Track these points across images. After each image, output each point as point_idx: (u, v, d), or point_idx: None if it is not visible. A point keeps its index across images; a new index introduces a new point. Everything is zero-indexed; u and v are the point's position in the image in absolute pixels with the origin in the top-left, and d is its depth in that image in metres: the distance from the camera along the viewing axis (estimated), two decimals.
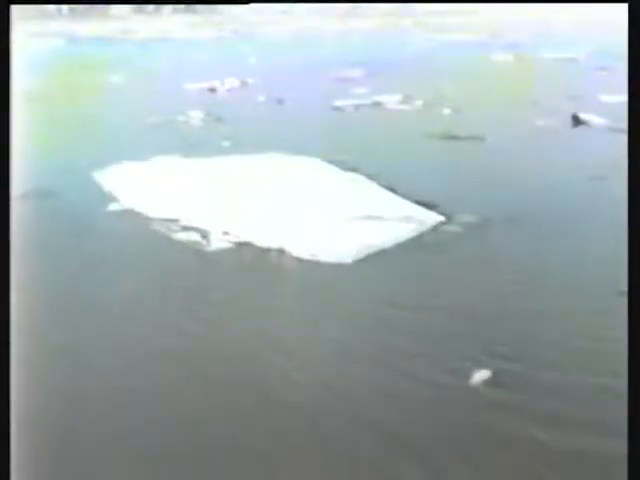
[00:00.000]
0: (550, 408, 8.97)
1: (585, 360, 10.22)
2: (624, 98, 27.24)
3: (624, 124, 23.86)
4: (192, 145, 23.63)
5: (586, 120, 28.30)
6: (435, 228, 16.13)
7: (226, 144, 23.93)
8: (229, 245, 15.16)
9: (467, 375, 9.67)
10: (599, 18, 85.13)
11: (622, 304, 11.16)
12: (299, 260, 14.27)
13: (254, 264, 14.26)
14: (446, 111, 30.55)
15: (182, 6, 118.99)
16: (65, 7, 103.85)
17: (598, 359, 10.22)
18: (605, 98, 32.40)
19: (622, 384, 9.07)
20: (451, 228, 16.10)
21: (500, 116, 29.71)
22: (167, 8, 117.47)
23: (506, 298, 12.47)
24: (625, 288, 11.51)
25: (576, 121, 28.22)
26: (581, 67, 47.80)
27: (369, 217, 16.52)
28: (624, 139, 21.43)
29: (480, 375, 9.58)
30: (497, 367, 9.84)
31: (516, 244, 15.17)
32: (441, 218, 16.58)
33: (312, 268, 13.90)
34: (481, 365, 9.88)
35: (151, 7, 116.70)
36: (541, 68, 48.08)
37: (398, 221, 16.42)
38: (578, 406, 9.05)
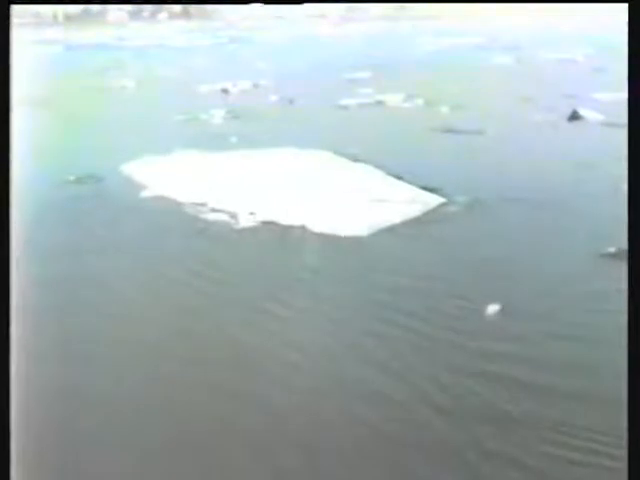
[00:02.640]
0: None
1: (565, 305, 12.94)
2: (618, 96, 30.34)
3: (617, 120, 27.02)
4: (215, 139, 26.54)
5: (584, 116, 31.00)
6: (437, 208, 18.83)
7: (244, 138, 26.66)
8: (256, 224, 17.81)
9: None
10: (599, 20, 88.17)
11: (603, 264, 14.09)
12: (319, 234, 16.92)
13: (281, 238, 16.89)
14: (444, 109, 33.28)
15: (178, 12, 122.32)
16: (61, 14, 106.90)
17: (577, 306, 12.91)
18: (599, 96, 35.09)
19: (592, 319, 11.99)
20: (451, 208, 18.79)
21: (498, 113, 32.42)
22: (163, 14, 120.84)
23: (497, 261, 15.19)
24: (606, 251, 14.48)
25: (574, 116, 30.89)
26: (579, 68, 50.57)
27: (379, 199, 19.21)
28: (615, 133, 24.53)
29: (492, 308, 12.50)
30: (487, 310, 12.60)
31: (507, 220, 17.89)
32: (443, 200, 19.29)
33: (332, 240, 16.55)
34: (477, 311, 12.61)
35: (147, 13, 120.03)
36: (540, 69, 50.80)
37: (405, 203, 19.09)
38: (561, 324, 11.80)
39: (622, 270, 13.76)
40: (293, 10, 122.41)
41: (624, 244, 14.60)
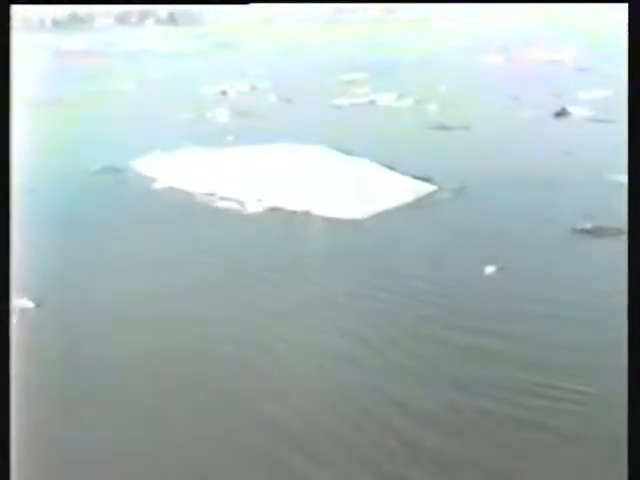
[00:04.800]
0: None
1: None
2: (602, 94, 32.80)
3: (601, 115, 29.43)
4: (221, 135, 29.03)
5: (571, 112, 33.38)
6: (428, 195, 21.14)
7: (248, 134, 28.89)
8: (263, 210, 20.06)
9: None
10: (586, 21, 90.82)
11: (576, 238, 16.36)
12: (321, 218, 19.21)
13: (287, 221, 19.16)
14: (434, 107, 35.55)
15: (164, 17, 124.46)
16: (49, 20, 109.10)
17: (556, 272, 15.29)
18: (584, 94, 37.37)
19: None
20: (441, 195, 21.12)
21: (486, 110, 34.66)
22: (149, 20, 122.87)
23: (483, 238, 17.55)
24: (583, 226, 16.78)
25: (563, 113, 33.26)
26: (565, 68, 52.89)
27: (374, 187, 21.48)
28: (599, 127, 27.13)
29: (489, 269, 15.23)
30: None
31: (492, 202, 20.25)
32: (434, 187, 21.61)
33: (333, 223, 18.84)
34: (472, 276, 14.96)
35: (134, 19, 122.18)
36: (528, 69, 53.03)
37: (398, 190, 21.37)
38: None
39: (596, 242, 16.39)
40: (278, 15, 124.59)
41: (599, 222, 17.17)
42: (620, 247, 15.65)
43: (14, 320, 12.68)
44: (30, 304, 13.79)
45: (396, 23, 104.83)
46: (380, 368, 11.59)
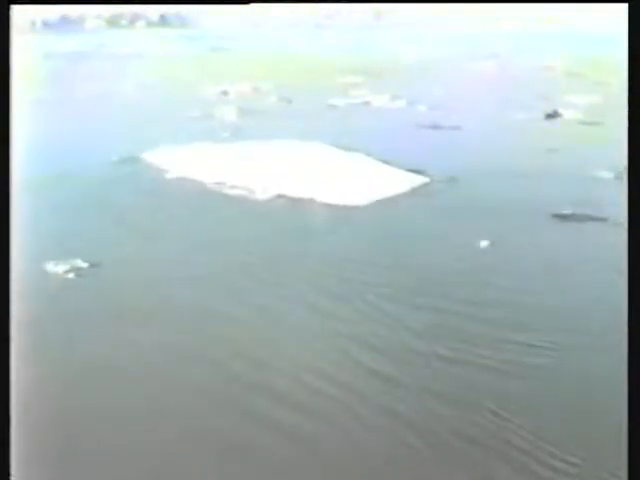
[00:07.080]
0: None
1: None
2: (592, 99, 36.05)
3: (592, 119, 32.46)
4: (226, 132, 31.88)
5: (563, 114, 35.98)
6: (423, 186, 23.60)
7: (252, 132, 31.45)
8: (271, 197, 22.44)
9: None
10: (577, 27, 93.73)
11: (556, 223, 18.81)
12: (325, 204, 21.62)
13: (294, 207, 21.55)
14: (426, 108, 38.07)
15: (155, 19, 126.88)
16: (39, 21, 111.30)
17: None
18: (574, 99, 39.90)
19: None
20: (434, 186, 23.59)
21: (477, 111, 37.19)
22: (141, 22, 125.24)
23: (471, 219, 20.05)
24: (561, 212, 19.35)
25: (554, 115, 35.84)
26: (556, 73, 55.51)
27: (372, 179, 23.96)
28: (588, 129, 30.42)
29: (484, 243, 17.91)
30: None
31: (481, 193, 22.75)
32: (427, 179, 24.07)
33: (336, 209, 21.25)
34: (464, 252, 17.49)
35: (125, 21, 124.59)
36: (519, 74, 55.55)
37: (394, 182, 23.84)
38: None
39: (571, 225, 18.93)
40: (272, 17, 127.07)
41: (577, 209, 19.82)
42: (591, 229, 19.14)
43: (71, 275, 15.45)
44: (85, 264, 16.44)
45: (390, 28, 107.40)
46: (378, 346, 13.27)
